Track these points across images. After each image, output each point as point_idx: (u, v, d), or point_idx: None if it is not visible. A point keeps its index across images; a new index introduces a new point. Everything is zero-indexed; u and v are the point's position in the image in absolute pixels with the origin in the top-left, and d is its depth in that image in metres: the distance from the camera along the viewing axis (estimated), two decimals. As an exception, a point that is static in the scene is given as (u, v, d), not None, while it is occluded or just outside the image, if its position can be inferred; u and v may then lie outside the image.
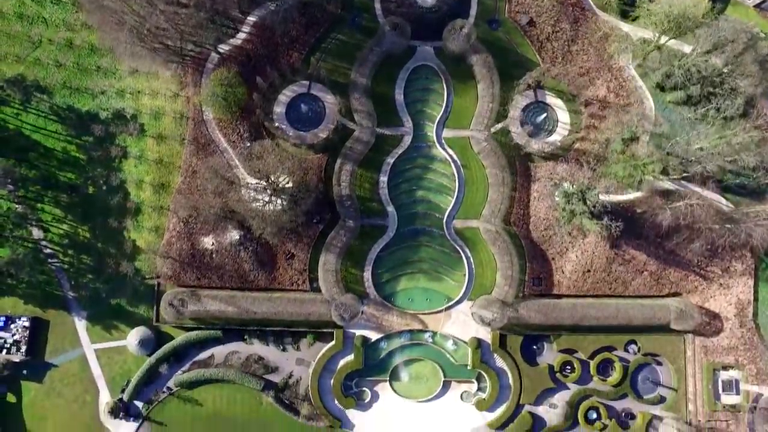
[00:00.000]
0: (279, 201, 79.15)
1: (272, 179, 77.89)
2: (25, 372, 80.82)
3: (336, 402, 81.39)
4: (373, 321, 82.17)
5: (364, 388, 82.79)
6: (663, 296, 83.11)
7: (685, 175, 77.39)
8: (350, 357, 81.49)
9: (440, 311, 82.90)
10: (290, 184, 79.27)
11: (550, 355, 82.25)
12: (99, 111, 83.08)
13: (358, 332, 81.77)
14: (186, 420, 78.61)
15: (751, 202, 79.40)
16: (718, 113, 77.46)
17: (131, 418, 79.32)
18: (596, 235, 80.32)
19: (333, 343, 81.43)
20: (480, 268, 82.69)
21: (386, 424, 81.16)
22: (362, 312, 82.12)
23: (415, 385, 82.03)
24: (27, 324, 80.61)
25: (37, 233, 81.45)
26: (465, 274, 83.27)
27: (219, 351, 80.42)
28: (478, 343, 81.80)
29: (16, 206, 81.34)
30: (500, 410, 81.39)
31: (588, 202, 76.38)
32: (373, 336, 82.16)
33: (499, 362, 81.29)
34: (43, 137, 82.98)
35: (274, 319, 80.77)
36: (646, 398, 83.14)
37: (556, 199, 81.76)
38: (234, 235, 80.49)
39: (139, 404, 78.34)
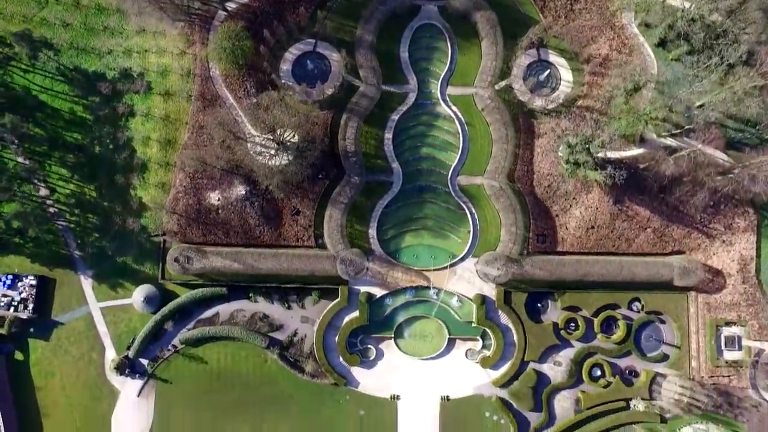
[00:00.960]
0: (285, 155, 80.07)
1: (278, 133, 78.59)
2: (32, 330, 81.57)
3: (341, 359, 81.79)
4: (378, 277, 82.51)
5: (369, 346, 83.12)
6: (666, 254, 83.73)
7: (687, 128, 78.00)
8: (355, 313, 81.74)
9: (445, 268, 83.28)
10: (296, 138, 79.99)
11: (554, 313, 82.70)
12: (106, 71, 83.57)
13: (363, 288, 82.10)
14: (191, 377, 78.79)
15: (752, 156, 79.94)
16: (722, 61, 77.48)
17: (137, 375, 79.59)
18: (600, 190, 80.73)
19: (338, 299, 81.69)
20: (484, 225, 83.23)
21: (391, 382, 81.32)
22: (367, 268, 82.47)
23: (420, 343, 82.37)
24: (34, 282, 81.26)
25: (43, 192, 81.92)
26: (469, 231, 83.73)
27: (224, 309, 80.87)
28: (483, 300, 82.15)
29: (24, 162, 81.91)
30: (505, 368, 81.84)
31: (591, 151, 76.84)
32: (378, 292, 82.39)
33: (504, 319, 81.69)
34: (50, 98, 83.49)
35: (279, 275, 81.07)
36: (650, 356, 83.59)
37: (560, 153, 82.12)
38: (240, 190, 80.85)
39: (144, 362, 78.71)
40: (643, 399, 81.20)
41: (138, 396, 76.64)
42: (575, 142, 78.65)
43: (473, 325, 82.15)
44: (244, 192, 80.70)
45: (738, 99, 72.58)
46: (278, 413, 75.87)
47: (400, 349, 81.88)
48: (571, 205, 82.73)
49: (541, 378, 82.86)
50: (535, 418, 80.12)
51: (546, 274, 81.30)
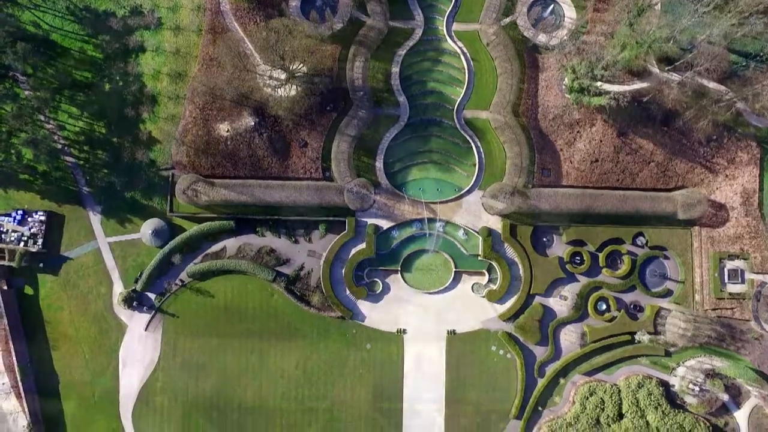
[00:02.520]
0: (293, 87, 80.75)
1: (287, 63, 79.32)
2: (41, 265, 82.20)
3: (347, 292, 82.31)
4: (385, 210, 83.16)
5: (376, 279, 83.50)
6: (670, 189, 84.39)
7: (690, 58, 78.67)
8: (362, 245, 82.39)
9: (451, 201, 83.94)
10: (304, 69, 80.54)
11: (559, 248, 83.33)
12: (116, 9, 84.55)
13: (370, 221, 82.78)
14: (197, 311, 79.11)
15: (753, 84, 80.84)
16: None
17: (144, 309, 79.87)
18: (603, 123, 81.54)
19: (345, 231, 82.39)
20: (490, 159, 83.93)
21: (397, 315, 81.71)
22: (374, 201, 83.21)
23: (426, 276, 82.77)
24: (43, 218, 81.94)
25: (53, 127, 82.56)
26: (475, 165, 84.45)
27: (231, 243, 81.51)
28: (489, 233, 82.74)
29: (36, 92, 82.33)
30: (511, 301, 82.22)
31: (596, 74, 77.54)
32: (385, 225, 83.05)
33: (510, 253, 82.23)
34: (61, 37, 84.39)
35: (286, 207, 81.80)
36: (654, 291, 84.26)
37: (564, 83, 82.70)
38: (249, 121, 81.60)
39: (151, 296, 79.12)
40: (648, 332, 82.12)
41: (145, 330, 77.01)
42: (579, 67, 79.36)
43: (479, 258, 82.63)
44: (252, 123, 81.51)
45: (742, 20, 73.09)
46: (285, 346, 76.02)
47: (406, 282, 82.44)
48: (575, 139, 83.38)
49: (547, 312, 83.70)
50: (541, 352, 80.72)
51: (551, 207, 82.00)
